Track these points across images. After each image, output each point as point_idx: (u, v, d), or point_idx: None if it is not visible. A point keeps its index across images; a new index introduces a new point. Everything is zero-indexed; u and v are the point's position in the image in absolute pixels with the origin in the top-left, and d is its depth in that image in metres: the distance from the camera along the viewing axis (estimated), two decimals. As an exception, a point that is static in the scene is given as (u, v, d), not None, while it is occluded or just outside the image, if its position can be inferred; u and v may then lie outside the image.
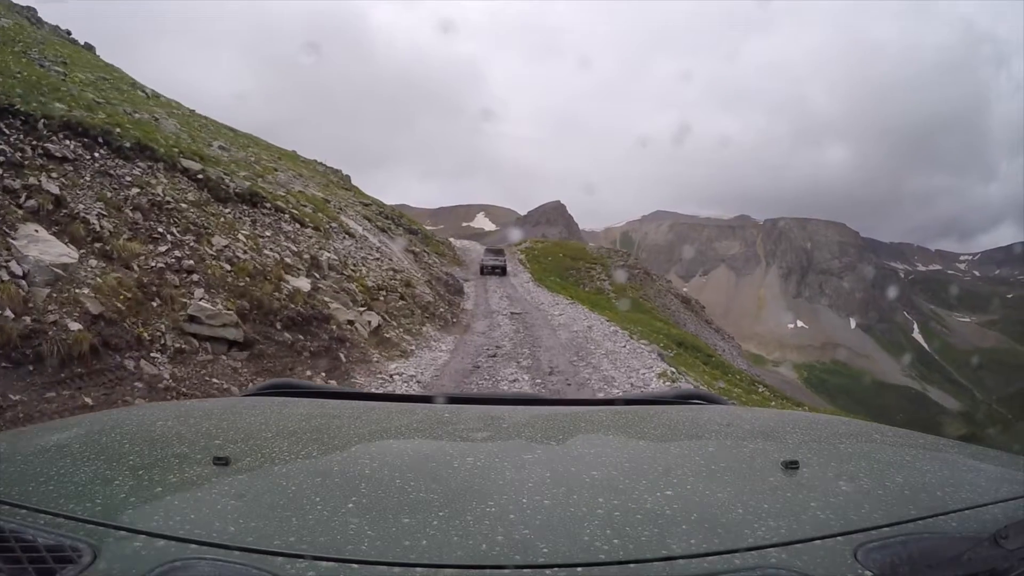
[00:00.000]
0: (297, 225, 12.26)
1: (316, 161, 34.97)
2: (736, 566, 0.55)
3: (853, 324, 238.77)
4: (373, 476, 0.76)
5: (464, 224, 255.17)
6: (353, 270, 12.27)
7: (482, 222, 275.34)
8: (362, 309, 10.43)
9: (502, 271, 28.77)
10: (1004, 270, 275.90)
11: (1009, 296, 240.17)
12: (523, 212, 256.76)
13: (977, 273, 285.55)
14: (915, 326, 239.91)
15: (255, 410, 1.14)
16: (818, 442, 1.05)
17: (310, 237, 12.11)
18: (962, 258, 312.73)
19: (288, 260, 9.98)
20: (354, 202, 25.39)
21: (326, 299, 9.66)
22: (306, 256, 10.74)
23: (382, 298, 11.70)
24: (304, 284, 9.45)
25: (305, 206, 14.53)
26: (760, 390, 14.98)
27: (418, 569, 0.54)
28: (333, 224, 14.98)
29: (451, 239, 44.45)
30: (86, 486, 0.70)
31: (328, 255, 11.51)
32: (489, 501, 0.68)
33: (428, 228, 41.73)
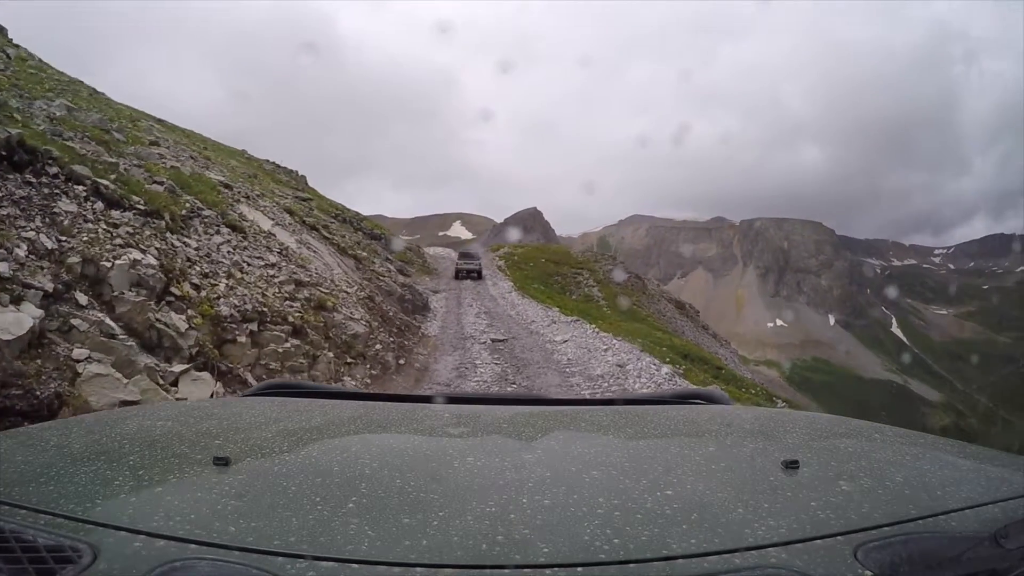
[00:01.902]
0: (100, 205, 6.70)
1: (266, 160, 30.55)
2: (736, 566, 0.55)
3: (832, 321, 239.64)
4: (373, 476, 0.76)
5: (440, 233, 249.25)
6: (199, 284, 6.68)
7: (459, 231, 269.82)
8: (183, 367, 4.98)
9: (478, 275, 26.86)
10: (978, 262, 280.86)
11: (984, 287, 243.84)
12: (499, 220, 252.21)
13: (952, 266, 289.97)
14: (893, 320, 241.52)
15: (255, 410, 1.13)
16: (818, 442, 1.05)
17: (117, 225, 6.53)
18: (937, 252, 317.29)
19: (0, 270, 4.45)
20: (286, 195, 19.99)
21: (77, 354, 4.26)
22: (73, 260, 5.20)
23: (244, 338, 6.17)
24: (17, 320, 4.01)
25: (159, 183, 9.01)
26: (780, 405, 13.55)
27: (418, 569, 0.53)
28: (208, 212, 9.40)
29: (421, 247, 39.24)
30: (86, 486, 0.70)
31: (139, 258, 5.89)
32: (489, 501, 0.67)
33: (405, 237, 37.44)
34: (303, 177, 32.11)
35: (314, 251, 13.13)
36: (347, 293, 11.36)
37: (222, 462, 0.76)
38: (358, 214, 30.85)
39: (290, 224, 14.49)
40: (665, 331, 23.22)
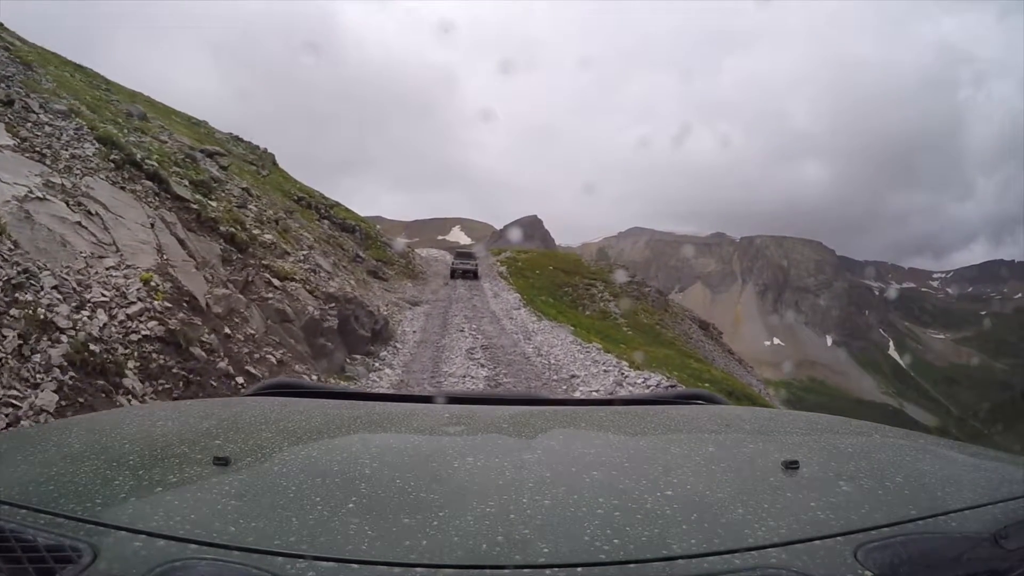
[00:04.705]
0: None
1: (230, 133, 28.50)
2: (736, 566, 0.55)
3: (829, 341, 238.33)
4: (373, 476, 0.76)
5: (440, 237, 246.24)
6: None
7: (458, 235, 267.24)
8: None
9: (474, 275, 25.58)
10: (977, 287, 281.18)
11: (982, 313, 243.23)
12: (499, 226, 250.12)
13: (951, 290, 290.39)
14: (891, 343, 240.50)
15: (255, 410, 1.13)
16: (818, 442, 1.04)
17: None
18: (935, 275, 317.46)
19: None
20: (165, 140, 14.25)
21: None
22: None
23: None
24: None
25: None
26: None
27: (418, 569, 0.53)
28: None
29: (412, 247, 35.70)
30: (86, 486, 0.70)
31: None
32: (489, 501, 0.67)
33: (403, 240, 34.89)
34: (271, 155, 29.67)
35: (95, 211, 6.74)
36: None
37: (222, 462, 0.75)
38: (337, 203, 28.47)
39: (75, 159, 7.84)
40: (699, 359, 20.35)
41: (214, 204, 10.01)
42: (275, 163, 28.75)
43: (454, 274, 26.01)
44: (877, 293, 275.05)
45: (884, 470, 0.85)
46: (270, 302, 8.38)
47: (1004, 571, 0.54)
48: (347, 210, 28.48)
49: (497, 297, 21.02)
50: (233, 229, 9.25)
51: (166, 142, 12.79)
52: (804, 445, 1.02)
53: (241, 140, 28.33)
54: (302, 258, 12.27)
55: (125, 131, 10.78)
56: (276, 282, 9.15)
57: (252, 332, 7.24)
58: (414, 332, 13.15)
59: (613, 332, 19.16)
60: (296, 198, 23.07)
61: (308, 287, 9.99)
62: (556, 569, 0.54)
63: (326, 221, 23.03)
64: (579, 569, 0.54)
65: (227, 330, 6.70)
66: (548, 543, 0.58)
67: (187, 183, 9.67)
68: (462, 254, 29.49)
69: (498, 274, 27.37)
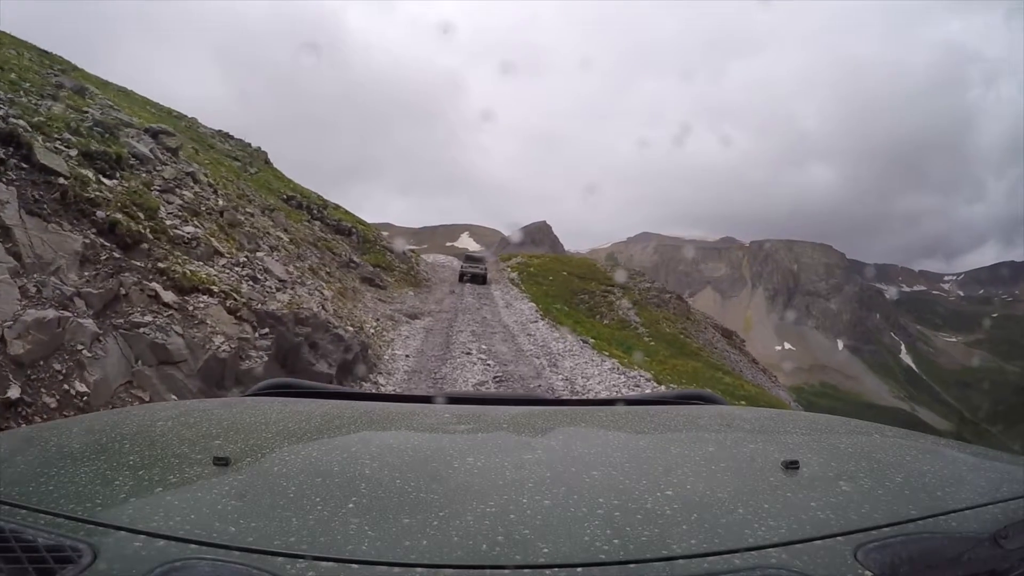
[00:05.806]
0: None
1: (220, 130, 27.97)
2: (736, 566, 0.55)
3: (840, 345, 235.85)
4: (373, 476, 0.76)
5: (448, 244, 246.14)
6: None
7: (467, 242, 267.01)
8: None
9: (483, 279, 25.36)
10: (988, 290, 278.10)
11: (994, 315, 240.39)
12: (507, 232, 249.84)
13: (961, 293, 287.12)
14: (902, 347, 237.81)
15: (255, 410, 1.13)
16: (818, 442, 1.04)
17: None
18: (946, 278, 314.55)
19: None
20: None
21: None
22: None
23: None
24: None
25: None
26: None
27: (418, 569, 0.53)
28: None
29: (417, 252, 34.24)
30: (86, 486, 0.70)
31: None
32: (489, 501, 0.68)
33: (411, 247, 34.01)
34: (263, 153, 28.64)
35: None
36: None
37: (222, 462, 0.75)
38: (336, 205, 27.26)
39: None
40: (728, 371, 18.89)
41: (108, 183, 7.39)
42: (267, 161, 27.98)
43: (463, 278, 25.77)
44: (888, 297, 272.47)
45: (884, 470, 0.84)
46: (143, 331, 5.46)
47: (1004, 571, 0.53)
48: (345, 212, 27.29)
49: (510, 307, 19.00)
50: (121, 216, 6.46)
51: (86, 112, 10.02)
52: (804, 445, 1.01)
53: (231, 137, 27.58)
54: (242, 261, 9.31)
55: (20, 94, 8.59)
56: (169, 297, 6.15)
57: (86, 389, 4.51)
58: (406, 356, 10.67)
59: (633, 340, 18.25)
60: (285, 197, 21.86)
61: (232, 303, 6.97)
62: (556, 569, 0.54)
63: (318, 222, 21.49)
64: (579, 569, 0.54)
65: (20, 391, 3.96)
66: (548, 543, 0.58)
67: (75, 153, 7.22)
68: (471, 258, 29.05)
69: (509, 280, 26.13)
